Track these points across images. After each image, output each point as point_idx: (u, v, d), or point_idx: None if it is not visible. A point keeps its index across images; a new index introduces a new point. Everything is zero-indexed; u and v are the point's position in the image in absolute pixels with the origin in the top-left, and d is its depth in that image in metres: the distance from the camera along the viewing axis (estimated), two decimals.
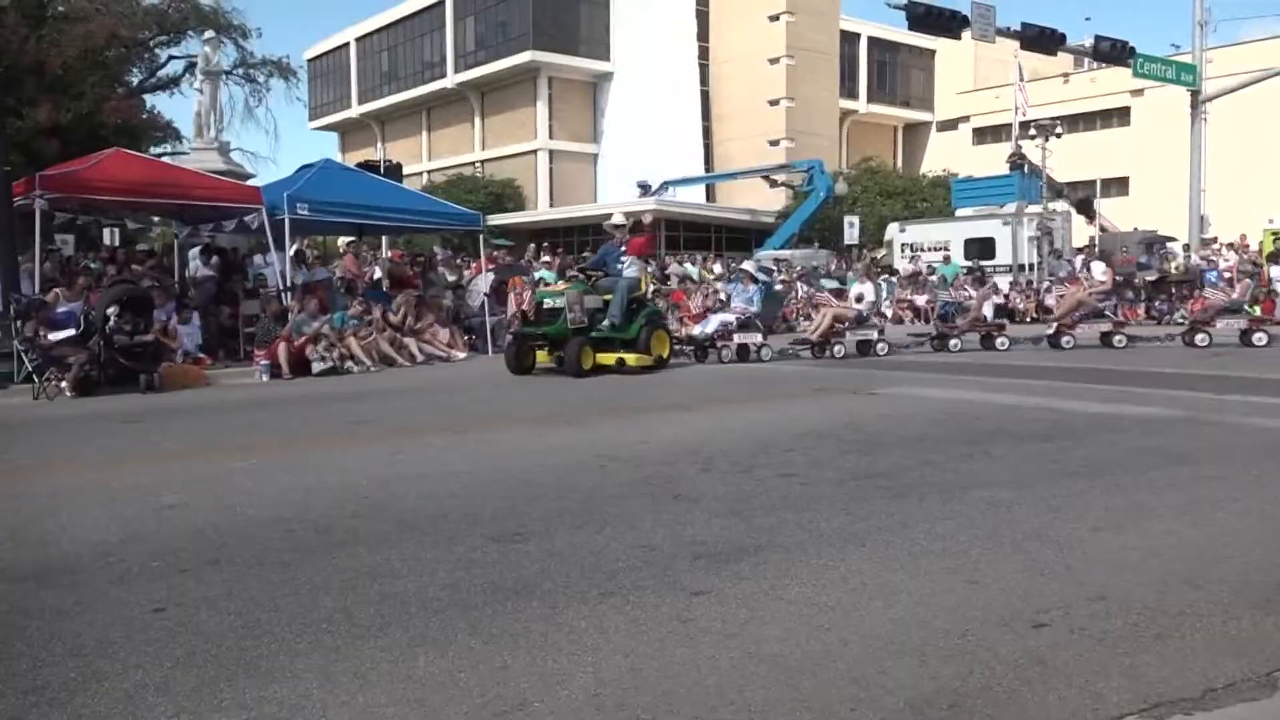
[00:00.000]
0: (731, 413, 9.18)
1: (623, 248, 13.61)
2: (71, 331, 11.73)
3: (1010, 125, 34.64)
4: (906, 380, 11.40)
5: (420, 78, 55.55)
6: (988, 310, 16.78)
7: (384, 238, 25.03)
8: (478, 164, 52.30)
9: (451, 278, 19.60)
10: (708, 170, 48.37)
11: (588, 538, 4.49)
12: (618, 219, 14.25)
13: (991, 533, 4.50)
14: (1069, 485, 5.48)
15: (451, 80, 53.27)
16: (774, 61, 48.06)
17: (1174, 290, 22.74)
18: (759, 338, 14.83)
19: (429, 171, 53.40)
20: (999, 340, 15.91)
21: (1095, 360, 13.52)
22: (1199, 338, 15.33)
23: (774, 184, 40.88)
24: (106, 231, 23.14)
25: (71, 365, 11.41)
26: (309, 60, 61.03)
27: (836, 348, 15.04)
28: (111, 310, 11.73)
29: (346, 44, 60.96)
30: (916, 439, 7.17)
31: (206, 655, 3.16)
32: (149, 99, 33.28)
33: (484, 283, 17.90)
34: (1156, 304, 22.73)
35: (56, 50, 24.63)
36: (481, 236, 20.09)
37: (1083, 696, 2.77)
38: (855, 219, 35.02)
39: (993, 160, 40.89)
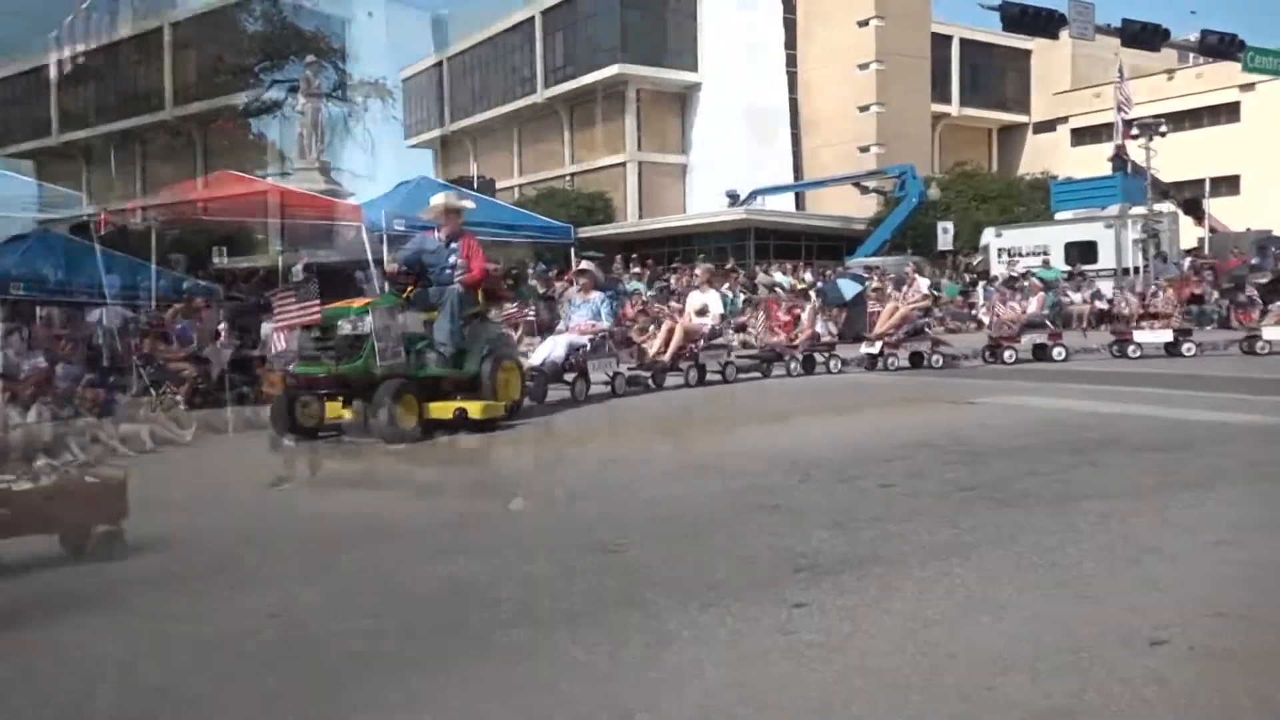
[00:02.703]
0: (820, 423, 9.08)
1: (454, 245, 9.32)
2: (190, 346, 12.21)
3: (1111, 125, 33.53)
4: (1002, 389, 11.13)
5: (511, 94, 56.47)
6: (820, 328, 14.56)
7: None
8: (568, 177, 52.89)
9: (541, 290, 19.83)
10: (797, 178, 47.99)
11: (687, 548, 4.49)
12: (437, 200, 10.06)
13: (1103, 545, 4.35)
14: (1184, 497, 5.27)
15: (541, 95, 53.97)
16: (864, 67, 47.46)
17: None
18: (614, 364, 11.72)
19: (520, 185, 54.14)
20: (831, 362, 14.16)
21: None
22: (1007, 355, 14.70)
23: (865, 190, 40.37)
24: (214, 250, 24.05)
25: (185, 379, 11.88)
26: (404, 79, 62.60)
27: (691, 372, 12.57)
28: (221, 326, 12.19)
29: (440, 63, 62.32)
30: (1019, 449, 6.98)
31: (316, 662, 3.26)
32: (253, 122, 34.62)
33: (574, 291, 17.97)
34: (1271, 307, 21.72)
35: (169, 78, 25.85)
36: (572, 249, 20.29)
37: (1206, 717, 2.66)
38: (949, 224, 34.34)
39: (1093, 161, 39.64)
